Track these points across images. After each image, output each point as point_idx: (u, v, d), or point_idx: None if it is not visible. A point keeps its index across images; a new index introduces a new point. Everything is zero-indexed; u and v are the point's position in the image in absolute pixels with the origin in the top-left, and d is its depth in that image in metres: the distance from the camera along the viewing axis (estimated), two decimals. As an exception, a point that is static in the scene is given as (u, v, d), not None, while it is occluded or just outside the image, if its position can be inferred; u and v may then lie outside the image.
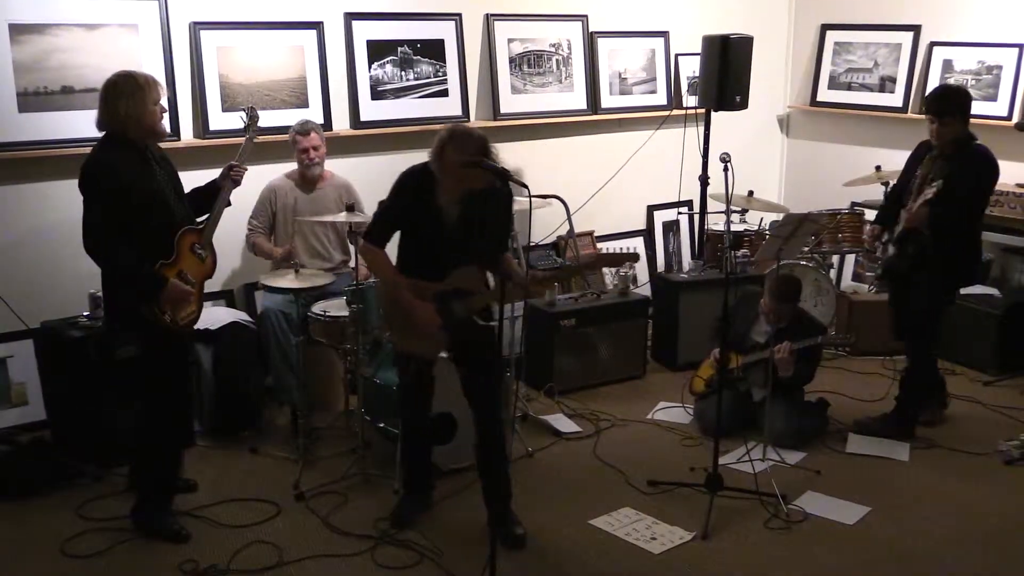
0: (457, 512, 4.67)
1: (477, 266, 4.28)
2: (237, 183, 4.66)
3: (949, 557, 4.33)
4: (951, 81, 7.17)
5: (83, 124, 5.26)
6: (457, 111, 6.72)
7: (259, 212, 5.75)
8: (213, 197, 4.53)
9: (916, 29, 7.51)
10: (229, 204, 4.67)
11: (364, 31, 6.34)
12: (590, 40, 7.30)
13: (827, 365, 6.54)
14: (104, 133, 4.19)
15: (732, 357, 5.42)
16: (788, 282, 5.38)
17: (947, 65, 7.31)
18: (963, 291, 6.62)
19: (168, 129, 4.44)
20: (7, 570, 4.18)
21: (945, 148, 5.27)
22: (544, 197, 6.11)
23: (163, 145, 4.46)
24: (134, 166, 4.14)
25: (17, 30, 5.20)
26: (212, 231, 4.47)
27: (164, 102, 4.30)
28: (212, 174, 4.66)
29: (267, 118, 5.84)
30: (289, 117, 5.89)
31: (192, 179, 4.68)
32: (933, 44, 7.42)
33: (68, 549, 4.32)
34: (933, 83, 7.33)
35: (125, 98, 4.10)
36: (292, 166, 5.77)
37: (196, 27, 5.75)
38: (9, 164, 5.28)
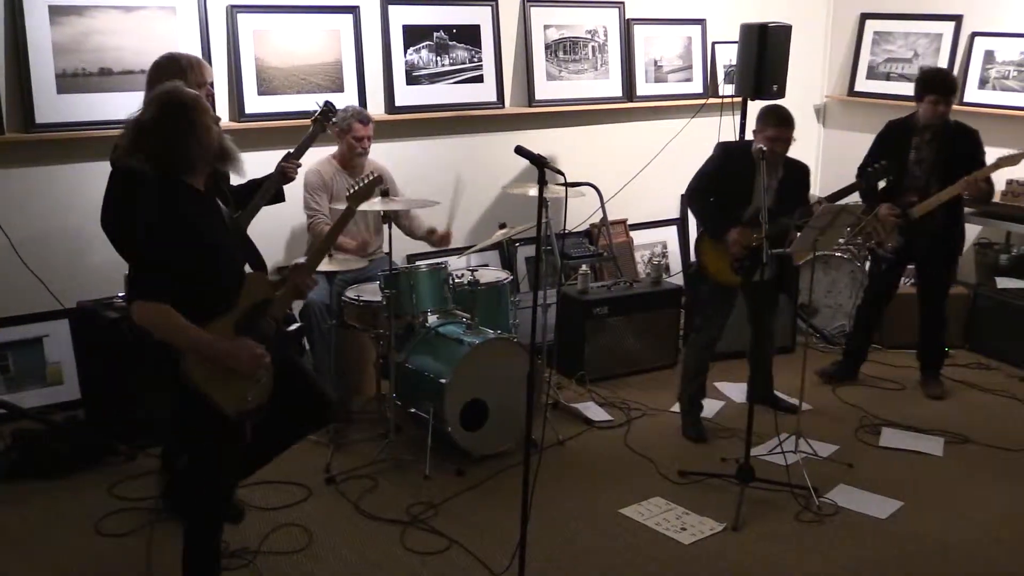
0: (487, 498, 4.67)
1: (258, 266, 3.69)
2: (287, 178, 4.63)
3: (983, 554, 4.28)
4: (992, 73, 7.10)
5: (121, 106, 5.26)
6: (492, 97, 6.71)
7: (317, 196, 5.55)
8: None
9: (957, 19, 7.41)
10: (281, 199, 4.63)
11: (400, 16, 6.33)
12: (626, 27, 7.26)
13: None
14: None
15: (748, 236, 5.05)
16: (779, 105, 5.12)
17: (989, 56, 7.21)
18: (1000, 286, 6.64)
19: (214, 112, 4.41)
20: (42, 547, 4.23)
21: (937, 129, 5.59)
22: (578, 185, 6.10)
23: None
24: None
25: (57, 12, 5.23)
26: (246, 222, 4.42)
27: (213, 85, 4.29)
28: (247, 157, 4.66)
29: (302, 102, 5.86)
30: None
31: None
32: (975, 35, 7.32)
33: (101, 528, 4.36)
34: (974, 74, 7.25)
35: (167, 80, 4.11)
36: (323, 151, 5.75)
37: (233, 10, 5.77)
38: (47, 145, 5.33)
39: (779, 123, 5.04)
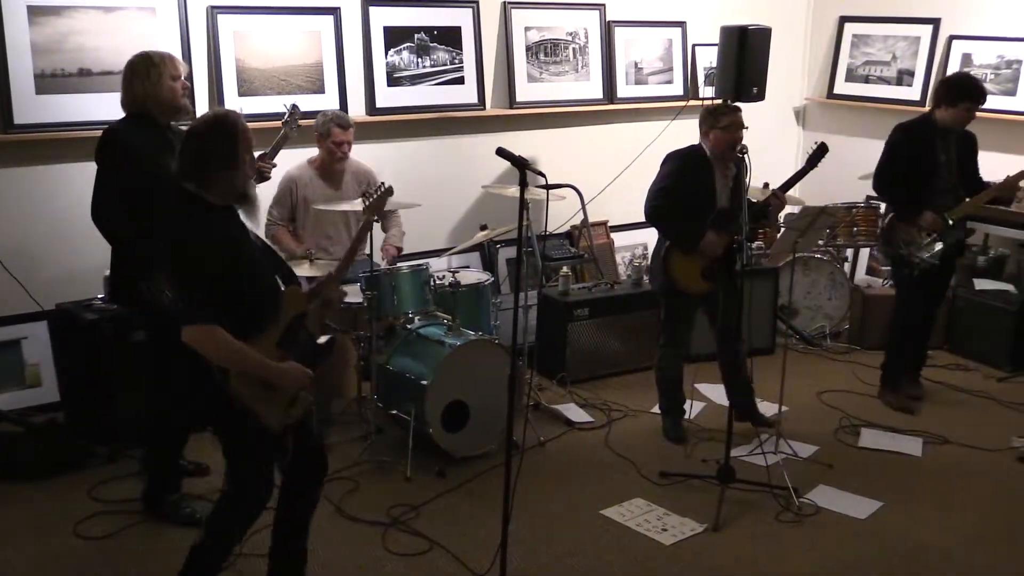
0: (469, 500, 4.68)
1: (288, 278, 3.69)
2: (263, 178, 4.68)
3: (961, 553, 4.31)
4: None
5: (100, 106, 5.29)
6: (473, 99, 6.71)
7: (280, 202, 5.60)
8: None
9: (935, 22, 7.47)
10: None
11: (381, 17, 6.33)
12: (607, 29, 7.28)
13: (838, 359, 6.55)
14: (127, 113, 4.23)
15: (726, 238, 5.04)
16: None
17: (966, 59, 7.26)
18: (978, 287, 6.68)
19: (190, 105, 4.45)
20: (20, 550, 4.20)
21: (958, 133, 5.59)
22: (559, 187, 6.10)
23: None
24: (151, 142, 4.15)
25: (35, 12, 5.20)
26: None
27: (191, 79, 4.30)
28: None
29: (283, 104, 5.84)
30: (304, 103, 5.86)
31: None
32: (952, 38, 7.37)
33: (80, 530, 4.34)
34: (952, 77, 7.31)
35: (141, 77, 4.16)
36: (309, 153, 5.73)
37: (213, 11, 5.75)
38: (26, 146, 5.29)
39: (730, 110, 5.09)
